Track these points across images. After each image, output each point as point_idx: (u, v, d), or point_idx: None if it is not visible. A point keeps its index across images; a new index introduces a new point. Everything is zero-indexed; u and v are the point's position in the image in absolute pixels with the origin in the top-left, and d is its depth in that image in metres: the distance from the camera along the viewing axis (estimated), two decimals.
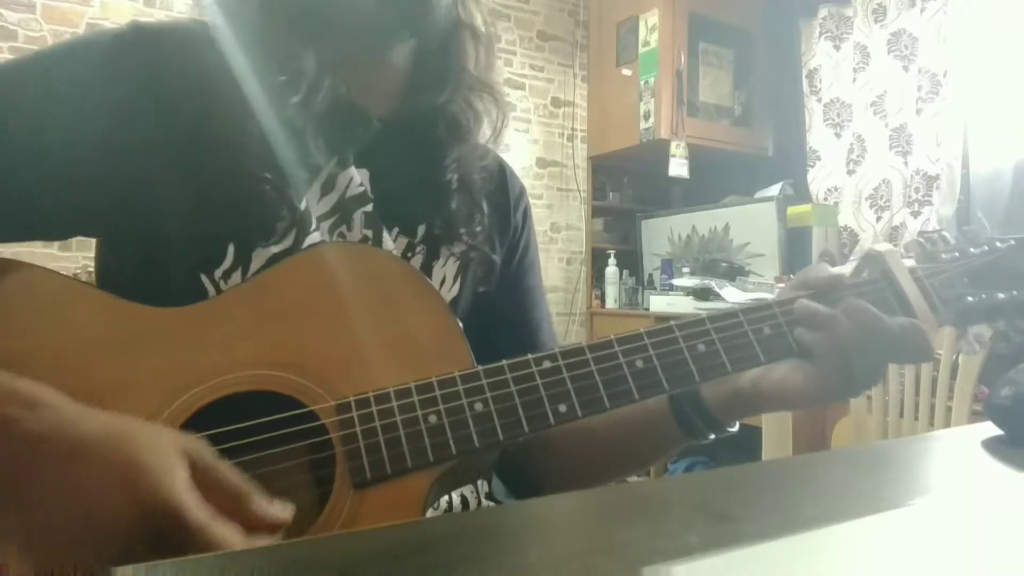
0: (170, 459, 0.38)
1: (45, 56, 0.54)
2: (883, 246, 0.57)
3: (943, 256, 0.57)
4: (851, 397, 0.53)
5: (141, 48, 0.55)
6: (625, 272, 3.27)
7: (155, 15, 2.42)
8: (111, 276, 0.58)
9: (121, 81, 0.53)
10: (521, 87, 3.28)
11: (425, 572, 0.26)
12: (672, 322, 0.52)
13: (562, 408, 0.48)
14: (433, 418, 0.46)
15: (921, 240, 0.59)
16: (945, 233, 0.59)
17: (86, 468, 0.36)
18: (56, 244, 2.09)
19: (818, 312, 0.52)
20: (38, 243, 2.09)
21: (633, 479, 0.64)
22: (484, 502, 0.63)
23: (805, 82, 2.90)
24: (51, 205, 0.53)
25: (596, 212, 3.44)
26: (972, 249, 0.57)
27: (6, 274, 0.47)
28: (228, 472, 0.40)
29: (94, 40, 0.55)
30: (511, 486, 0.70)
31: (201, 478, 0.38)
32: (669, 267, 3.03)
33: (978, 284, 0.55)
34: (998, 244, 0.57)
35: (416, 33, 0.61)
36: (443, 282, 0.64)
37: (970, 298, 0.55)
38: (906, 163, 2.53)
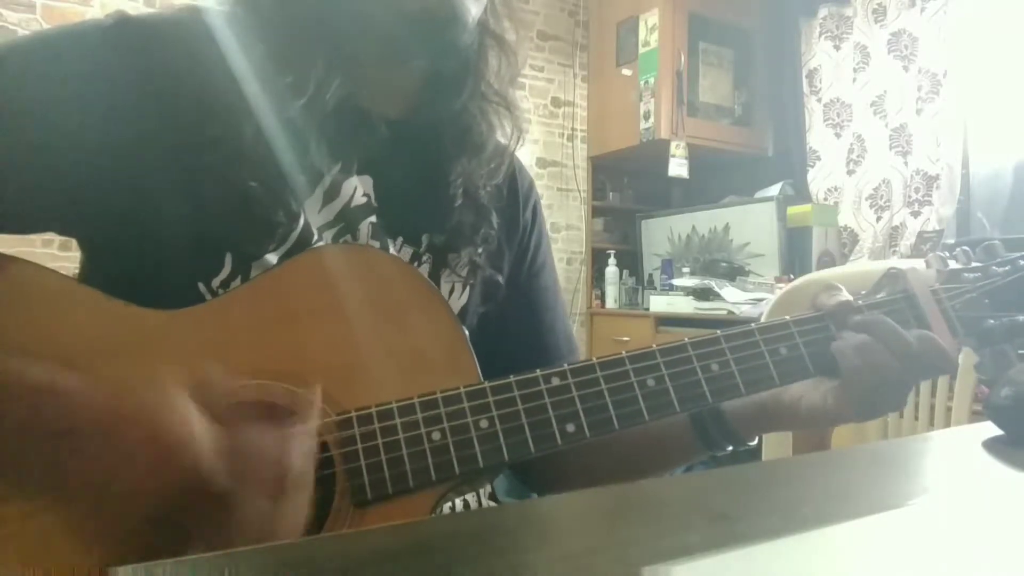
0: (181, 418, 0.38)
1: (23, 51, 0.50)
2: (906, 264, 0.56)
3: (965, 275, 0.56)
4: (873, 419, 0.53)
5: (131, 42, 0.52)
6: (625, 272, 3.27)
7: None
8: (99, 281, 0.54)
9: (111, 78, 0.50)
10: (521, 87, 3.28)
11: (425, 572, 0.26)
12: (686, 339, 0.50)
13: (570, 428, 0.47)
14: (437, 435, 0.45)
15: (943, 256, 0.58)
16: (966, 248, 0.58)
17: (108, 452, 0.37)
18: (56, 244, 2.09)
19: (848, 337, 0.51)
20: (38, 243, 2.09)
21: None
22: (485, 502, 0.63)
23: (805, 82, 2.90)
24: (37, 203, 0.50)
25: (596, 212, 3.44)
26: (994, 267, 0.56)
27: (1, 270, 0.46)
28: (245, 391, 0.40)
29: (78, 32, 0.52)
30: (517, 477, 0.69)
31: (218, 407, 0.39)
32: (669, 267, 3.03)
33: (998, 304, 0.55)
34: (1021, 263, 0.55)
35: (441, 54, 0.58)
36: (451, 291, 0.62)
37: (990, 320, 0.54)
38: (906, 163, 2.53)
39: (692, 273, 2.82)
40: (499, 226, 0.66)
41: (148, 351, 0.46)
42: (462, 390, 0.47)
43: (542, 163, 3.36)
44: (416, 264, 0.60)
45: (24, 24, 2.25)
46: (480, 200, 0.63)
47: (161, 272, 0.51)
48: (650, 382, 0.49)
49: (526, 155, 3.27)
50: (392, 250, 0.59)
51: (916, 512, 0.34)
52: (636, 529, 0.31)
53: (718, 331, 0.52)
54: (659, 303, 2.80)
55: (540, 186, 3.33)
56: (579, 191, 3.44)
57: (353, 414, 0.45)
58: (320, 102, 0.53)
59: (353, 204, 0.58)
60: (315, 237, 0.55)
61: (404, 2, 0.53)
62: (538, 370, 0.48)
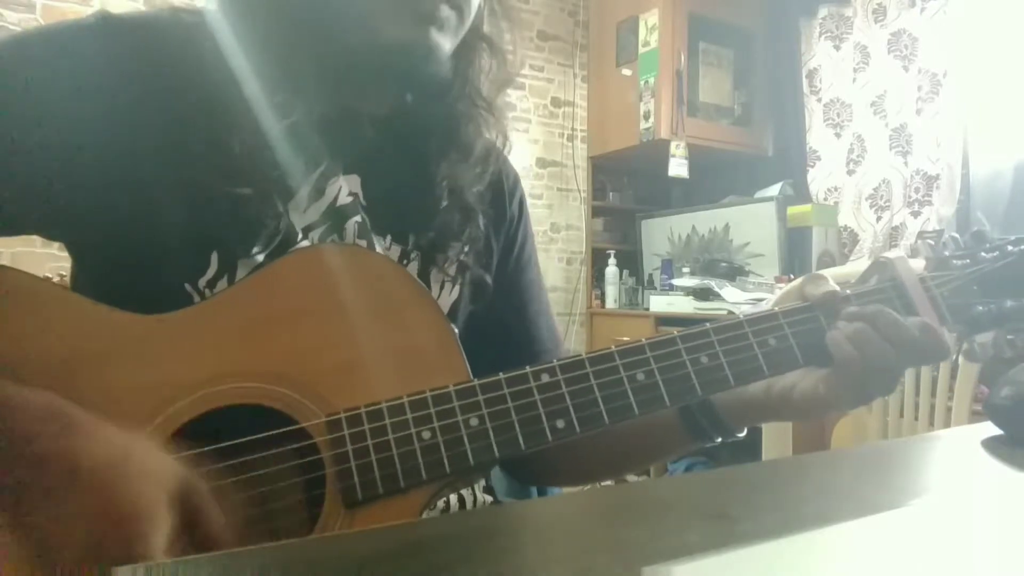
0: (159, 511, 0.37)
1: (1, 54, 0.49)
2: (893, 253, 0.56)
3: (954, 262, 0.56)
4: (863, 405, 0.52)
5: (115, 41, 0.51)
6: (625, 272, 3.27)
7: None
8: (87, 284, 0.55)
9: (95, 78, 0.50)
10: (521, 87, 3.28)
11: (425, 572, 0.26)
12: (675, 332, 0.50)
13: (560, 424, 0.47)
14: (427, 435, 0.45)
15: (931, 243, 0.57)
16: (955, 235, 0.58)
17: (79, 498, 0.36)
18: (56, 244, 2.09)
19: (843, 326, 0.50)
20: (38, 243, 2.09)
21: (633, 479, 0.64)
22: (481, 496, 0.63)
23: (805, 82, 2.90)
24: (19, 206, 0.50)
25: (596, 212, 3.44)
26: (983, 254, 0.55)
27: None
28: (214, 519, 0.40)
29: (58, 33, 0.51)
30: (507, 470, 0.69)
31: (191, 518, 0.39)
32: (669, 267, 3.03)
33: (987, 291, 0.54)
34: (1009, 248, 0.55)
35: (417, 85, 0.59)
36: (442, 288, 0.62)
37: (979, 307, 0.54)
38: (906, 163, 2.53)
39: (692, 273, 2.82)
40: (485, 224, 0.66)
41: (136, 355, 0.45)
42: (451, 389, 0.47)
43: (542, 163, 3.36)
44: (404, 262, 0.60)
45: (24, 24, 2.25)
46: (467, 201, 0.63)
47: (146, 273, 0.51)
48: (640, 376, 0.48)
49: (526, 155, 3.27)
50: (379, 249, 0.59)
51: (916, 512, 0.34)
52: (636, 529, 0.31)
53: (707, 324, 0.51)
54: (659, 303, 2.80)
55: (540, 186, 3.34)
56: (579, 191, 3.44)
57: (342, 415, 0.45)
58: (312, 114, 0.54)
59: (339, 204, 0.58)
60: (300, 237, 0.55)
61: (383, 36, 0.53)
62: (527, 367, 0.48)
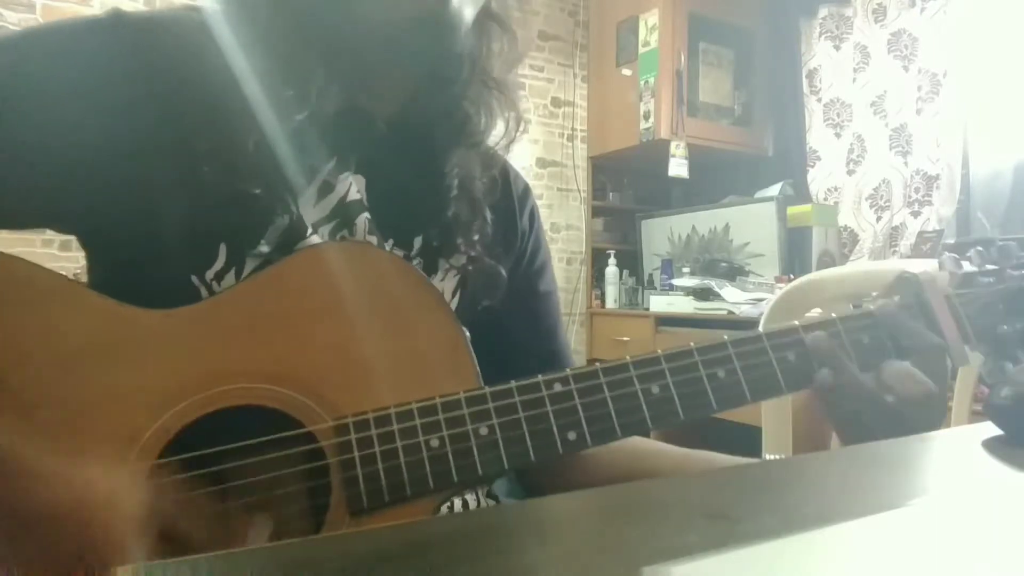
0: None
1: (14, 48, 0.50)
2: (919, 268, 0.54)
3: (980, 279, 0.54)
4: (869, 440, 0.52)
5: (128, 39, 0.51)
6: (625, 272, 3.27)
7: None
8: (101, 277, 0.55)
9: (108, 75, 0.50)
10: (521, 87, 3.27)
11: (425, 572, 0.26)
12: (692, 345, 0.49)
13: (571, 436, 0.46)
14: (435, 443, 0.44)
15: (957, 257, 0.56)
16: (980, 248, 0.56)
17: (45, 546, 0.35)
18: (56, 243, 2.09)
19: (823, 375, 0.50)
20: (38, 243, 2.09)
21: None
22: (484, 501, 0.63)
23: (805, 82, 2.90)
24: (31, 200, 0.50)
25: (596, 212, 3.44)
26: (1010, 271, 0.54)
27: None
28: (196, 521, 0.40)
29: (72, 29, 0.51)
30: (518, 487, 0.69)
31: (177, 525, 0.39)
32: (669, 267, 3.03)
33: (1013, 309, 0.53)
34: None
35: (438, 58, 0.57)
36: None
37: (1005, 327, 0.52)
38: (906, 163, 2.53)
39: (692, 273, 2.82)
40: (494, 223, 0.65)
41: (141, 352, 0.45)
42: (462, 396, 0.45)
43: (542, 163, 3.36)
44: None
45: (24, 24, 2.25)
46: (475, 193, 0.62)
47: (155, 265, 0.51)
48: (655, 390, 0.47)
49: (526, 155, 3.27)
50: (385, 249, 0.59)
51: (916, 512, 0.33)
52: (636, 529, 0.31)
53: (725, 336, 0.50)
54: (659, 303, 2.80)
55: (540, 186, 3.33)
56: (579, 191, 3.44)
57: (349, 420, 0.44)
58: (321, 110, 0.53)
59: (348, 199, 0.57)
60: (309, 231, 0.55)
61: (401, 8, 0.52)
62: (540, 375, 0.47)
